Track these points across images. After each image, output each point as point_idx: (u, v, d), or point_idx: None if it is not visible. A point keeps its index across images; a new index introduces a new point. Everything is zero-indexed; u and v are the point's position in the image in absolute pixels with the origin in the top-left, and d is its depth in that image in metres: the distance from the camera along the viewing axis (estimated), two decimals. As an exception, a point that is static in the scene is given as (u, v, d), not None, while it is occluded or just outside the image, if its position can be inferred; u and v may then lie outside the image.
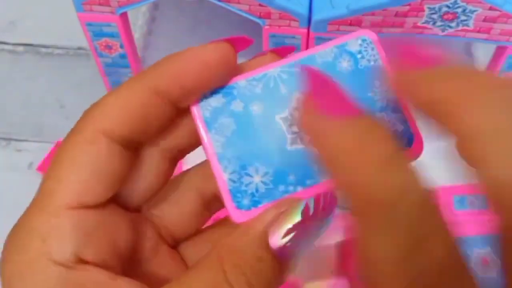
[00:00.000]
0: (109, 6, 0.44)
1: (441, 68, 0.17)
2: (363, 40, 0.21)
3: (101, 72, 0.51)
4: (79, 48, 0.63)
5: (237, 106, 0.21)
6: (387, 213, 0.16)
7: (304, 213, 0.19)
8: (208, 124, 0.21)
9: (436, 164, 0.28)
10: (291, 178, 0.20)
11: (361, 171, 0.16)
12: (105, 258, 0.19)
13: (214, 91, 0.21)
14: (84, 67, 0.61)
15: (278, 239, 0.18)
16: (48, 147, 0.52)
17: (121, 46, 0.48)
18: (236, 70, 0.21)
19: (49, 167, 0.20)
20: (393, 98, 0.20)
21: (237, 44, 0.22)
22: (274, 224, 0.18)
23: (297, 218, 0.18)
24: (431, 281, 0.15)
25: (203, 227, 0.24)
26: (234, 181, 0.20)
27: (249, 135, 0.20)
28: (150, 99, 0.20)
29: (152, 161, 0.21)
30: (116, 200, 0.20)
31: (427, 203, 0.16)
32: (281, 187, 0.20)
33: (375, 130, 0.17)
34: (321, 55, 0.21)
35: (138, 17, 0.62)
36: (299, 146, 0.20)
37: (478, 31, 0.42)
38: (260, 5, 0.42)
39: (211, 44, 0.22)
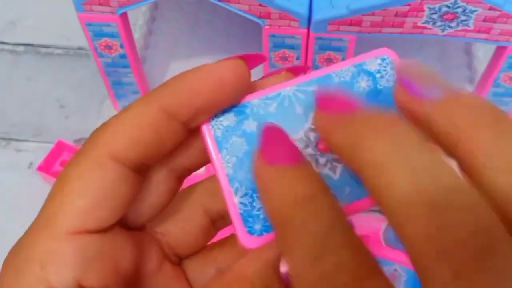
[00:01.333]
0: (109, 6, 0.44)
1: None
2: (383, 60, 0.20)
3: (101, 72, 0.51)
4: (79, 48, 0.63)
5: (249, 125, 0.20)
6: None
7: None
8: (219, 144, 0.19)
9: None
10: None
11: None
12: (108, 284, 0.18)
13: (226, 110, 0.20)
14: (84, 67, 0.61)
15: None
16: (48, 147, 0.52)
17: (121, 46, 0.48)
18: (249, 88, 0.20)
19: (53, 188, 0.19)
20: None
21: (251, 61, 0.20)
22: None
23: None
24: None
25: (208, 244, 0.23)
26: (245, 205, 0.19)
27: None
28: (160, 120, 0.18)
29: (159, 180, 0.20)
30: (120, 221, 0.19)
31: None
32: None
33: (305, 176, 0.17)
34: (338, 74, 0.20)
35: (138, 17, 0.62)
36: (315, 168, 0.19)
37: (478, 31, 0.42)
38: (260, 5, 0.42)
39: (224, 61, 0.20)
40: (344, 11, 0.41)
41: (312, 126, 0.19)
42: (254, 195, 0.19)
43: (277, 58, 0.47)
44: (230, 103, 0.20)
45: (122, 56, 0.49)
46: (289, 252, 0.15)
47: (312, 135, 0.19)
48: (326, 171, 0.19)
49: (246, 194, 0.19)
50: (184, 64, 0.59)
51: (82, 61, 0.62)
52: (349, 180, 0.19)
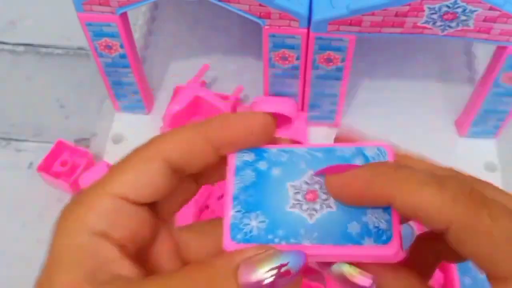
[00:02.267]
0: (109, 6, 0.44)
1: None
2: (379, 150, 0.25)
3: (101, 72, 0.51)
4: (79, 48, 0.63)
5: (262, 165, 0.26)
6: None
7: (279, 266, 0.22)
8: (236, 171, 0.26)
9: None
10: (280, 232, 0.24)
11: None
12: (125, 242, 0.24)
13: (250, 149, 0.27)
14: (84, 67, 0.61)
15: (246, 276, 0.22)
16: (48, 147, 0.52)
17: (121, 46, 0.48)
18: (272, 140, 0.27)
19: (121, 159, 0.25)
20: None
21: (279, 120, 0.29)
22: (249, 261, 0.22)
23: (270, 265, 0.22)
24: None
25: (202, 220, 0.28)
26: (235, 218, 0.25)
27: (262, 189, 0.26)
28: (203, 145, 0.25)
29: (186, 186, 0.27)
30: (151, 204, 0.25)
31: None
32: (270, 236, 0.24)
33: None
34: (341, 150, 0.26)
35: (138, 17, 0.62)
36: (296, 211, 0.25)
37: (478, 31, 0.42)
38: (260, 5, 0.42)
39: (259, 114, 0.26)
40: (344, 11, 0.41)
41: (307, 180, 0.25)
42: (246, 214, 0.25)
43: (277, 58, 0.47)
44: (255, 146, 0.27)
45: (122, 56, 0.49)
46: None
47: (304, 187, 0.25)
48: (305, 215, 0.24)
49: (239, 211, 0.25)
50: (184, 64, 0.59)
51: (82, 61, 0.62)
52: (319, 227, 0.24)
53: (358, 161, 0.25)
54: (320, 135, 0.53)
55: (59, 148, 0.52)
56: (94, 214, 0.24)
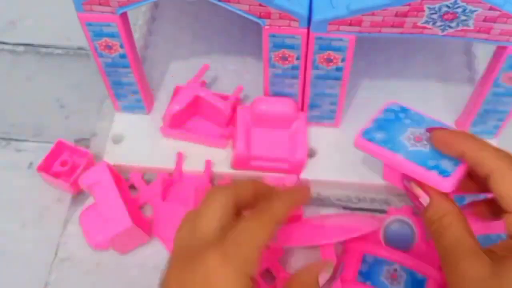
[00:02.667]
0: (109, 6, 0.44)
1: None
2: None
3: (101, 72, 0.51)
4: (79, 48, 0.63)
5: (402, 114, 0.44)
6: None
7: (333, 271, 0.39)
8: (384, 110, 0.45)
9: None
10: (391, 145, 0.41)
11: None
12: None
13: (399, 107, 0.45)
14: (84, 67, 0.61)
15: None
16: (48, 147, 0.52)
17: (121, 46, 0.48)
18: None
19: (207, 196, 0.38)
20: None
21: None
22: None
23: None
24: None
25: None
26: (370, 128, 0.43)
27: (394, 125, 0.43)
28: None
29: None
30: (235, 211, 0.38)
31: None
32: (383, 144, 0.41)
33: None
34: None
35: (138, 17, 0.62)
36: (405, 141, 0.41)
37: (478, 31, 0.42)
38: (260, 5, 0.42)
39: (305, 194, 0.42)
40: (344, 11, 0.41)
41: (421, 131, 0.41)
42: (377, 129, 0.43)
43: (277, 58, 0.47)
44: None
45: (122, 56, 0.49)
46: None
47: (417, 132, 0.41)
48: (409, 144, 0.41)
49: (374, 127, 0.43)
50: (184, 64, 0.59)
51: (82, 61, 0.62)
52: (413, 153, 0.40)
53: None
54: (320, 135, 0.53)
55: (59, 148, 0.52)
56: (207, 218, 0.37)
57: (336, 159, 0.52)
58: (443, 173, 0.38)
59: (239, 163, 0.51)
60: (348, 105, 0.55)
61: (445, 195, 0.37)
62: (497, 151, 0.35)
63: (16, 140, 0.57)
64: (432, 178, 0.38)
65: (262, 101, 0.50)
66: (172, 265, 0.35)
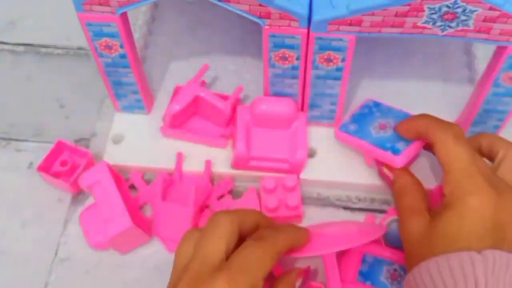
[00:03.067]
0: (109, 6, 0.44)
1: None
2: None
3: (101, 72, 0.51)
4: (79, 48, 0.63)
5: (374, 109, 0.52)
6: None
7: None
8: (361, 106, 0.53)
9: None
10: (360, 134, 0.50)
11: None
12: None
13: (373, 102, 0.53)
14: (84, 67, 0.61)
15: None
16: (48, 147, 0.52)
17: (121, 46, 0.48)
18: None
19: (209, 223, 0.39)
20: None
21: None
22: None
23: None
24: None
25: None
26: (346, 122, 0.52)
27: (365, 118, 0.51)
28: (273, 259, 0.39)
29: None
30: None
31: None
32: (356, 133, 0.50)
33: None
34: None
35: (138, 17, 0.62)
36: (371, 130, 0.49)
37: (478, 31, 0.42)
38: (260, 5, 0.42)
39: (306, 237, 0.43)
40: (344, 11, 0.41)
41: (386, 119, 0.50)
42: (351, 122, 0.52)
43: (277, 58, 0.47)
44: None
45: (122, 56, 0.49)
46: None
47: (383, 122, 0.49)
48: (374, 132, 0.49)
49: (350, 121, 0.52)
50: (184, 64, 0.59)
51: (82, 61, 0.62)
52: (377, 139, 0.48)
53: None
54: (320, 135, 0.53)
55: (59, 148, 0.52)
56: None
57: (336, 159, 0.52)
58: (396, 151, 0.46)
59: (239, 163, 0.51)
60: (348, 105, 0.55)
61: (407, 171, 0.46)
62: (441, 124, 0.43)
63: (16, 140, 0.57)
64: (387, 156, 0.47)
65: (262, 101, 0.50)
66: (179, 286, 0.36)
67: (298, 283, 0.44)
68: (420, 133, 0.45)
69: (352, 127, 0.50)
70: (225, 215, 0.38)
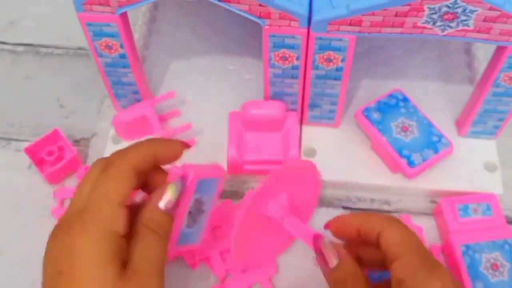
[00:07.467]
0: (109, 6, 0.44)
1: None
2: None
3: (101, 72, 0.51)
4: (79, 48, 0.63)
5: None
6: None
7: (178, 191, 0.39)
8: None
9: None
10: None
11: None
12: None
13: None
14: (84, 67, 0.61)
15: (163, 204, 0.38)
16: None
17: (121, 46, 0.48)
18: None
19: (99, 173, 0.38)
20: None
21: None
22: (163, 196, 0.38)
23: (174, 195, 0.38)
24: None
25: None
26: None
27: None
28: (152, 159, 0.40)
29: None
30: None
31: None
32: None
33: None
34: None
35: (138, 17, 0.62)
36: None
37: (478, 31, 0.42)
38: (260, 5, 0.42)
39: (182, 144, 0.43)
40: (344, 11, 0.41)
41: None
42: None
43: (277, 58, 0.47)
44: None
45: (122, 56, 0.49)
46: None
47: None
48: (402, 136, 0.49)
49: None
50: (184, 64, 0.59)
51: (82, 61, 0.62)
52: (412, 147, 0.49)
53: None
54: (320, 135, 0.53)
55: (53, 137, 0.53)
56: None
57: (336, 159, 0.52)
58: (411, 163, 0.48)
59: (233, 168, 0.51)
60: (348, 105, 0.55)
61: (350, 258, 0.38)
62: (381, 216, 0.39)
63: (16, 140, 0.57)
64: (401, 164, 0.48)
65: (251, 105, 0.51)
66: (51, 234, 0.37)
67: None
68: (358, 232, 0.39)
69: (375, 116, 0.50)
70: (95, 162, 0.39)
